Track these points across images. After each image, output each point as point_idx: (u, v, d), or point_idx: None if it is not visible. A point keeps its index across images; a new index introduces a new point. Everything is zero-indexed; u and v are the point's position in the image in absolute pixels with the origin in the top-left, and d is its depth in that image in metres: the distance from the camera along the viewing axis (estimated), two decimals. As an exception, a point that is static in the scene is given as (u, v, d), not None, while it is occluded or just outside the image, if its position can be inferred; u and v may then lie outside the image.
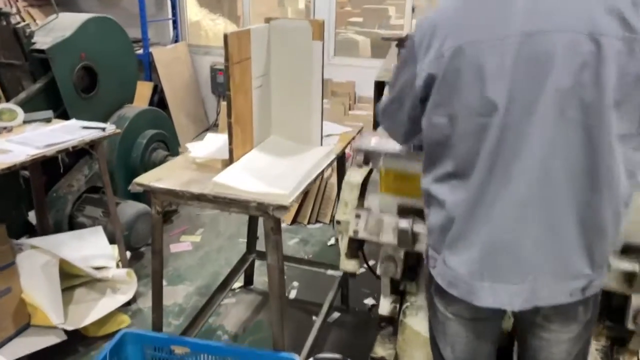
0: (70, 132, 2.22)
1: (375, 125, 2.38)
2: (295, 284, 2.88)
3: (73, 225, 2.90)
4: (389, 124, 1.39)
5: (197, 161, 1.87)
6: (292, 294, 2.80)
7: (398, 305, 1.78)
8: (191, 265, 3.04)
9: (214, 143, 1.96)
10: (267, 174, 1.74)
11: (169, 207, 3.34)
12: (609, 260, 1.26)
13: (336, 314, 2.62)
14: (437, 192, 1.18)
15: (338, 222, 1.68)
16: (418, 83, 1.14)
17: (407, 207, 1.59)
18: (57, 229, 2.85)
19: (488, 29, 1.06)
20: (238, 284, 2.77)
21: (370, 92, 5.21)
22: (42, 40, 2.76)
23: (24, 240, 2.45)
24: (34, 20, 4.59)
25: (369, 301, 2.72)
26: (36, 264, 2.18)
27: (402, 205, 1.61)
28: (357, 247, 1.73)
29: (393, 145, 1.53)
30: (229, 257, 3.10)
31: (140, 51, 4.82)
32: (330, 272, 2.62)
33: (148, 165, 3.24)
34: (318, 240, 3.37)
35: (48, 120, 2.41)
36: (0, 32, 2.64)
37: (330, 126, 2.24)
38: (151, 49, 4.84)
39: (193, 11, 5.69)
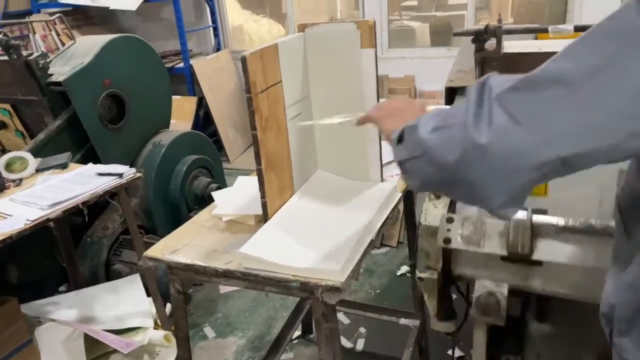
0: (83, 181, 1.88)
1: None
2: (363, 330, 2.44)
3: (109, 273, 2.61)
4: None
5: (225, 219, 1.46)
6: (360, 345, 2.36)
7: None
8: (242, 309, 2.66)
9: (246, 191, 1.54)
10: (312, 234, 1.31)
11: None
12: None
13: (414, 372, 2.15)
14: None
15: (420, 279, 1.33)
16: None
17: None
18: (93, 278, 2.56)
19: None
20: (296, 332, 2.37)
21: (432, 86, 4.67)
22: (60, 71, 2.46)
23: (50, 300, 2.17)
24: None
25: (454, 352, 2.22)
26: (57, 339, 1.87)
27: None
28: (449, 306, 1.38)
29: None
30: (285, 296, 2.70)
31: (181, 64, 4.53)
32: (404, 321, 2.16)
33: (189, 195, 2.91)
34: (385, 270, 2.89)
35: (64, 166, 2.09)
36: (12, 67, 2.36)
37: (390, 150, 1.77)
38: (192, 61, 4.52)
39: (234, 15, 5.32)
